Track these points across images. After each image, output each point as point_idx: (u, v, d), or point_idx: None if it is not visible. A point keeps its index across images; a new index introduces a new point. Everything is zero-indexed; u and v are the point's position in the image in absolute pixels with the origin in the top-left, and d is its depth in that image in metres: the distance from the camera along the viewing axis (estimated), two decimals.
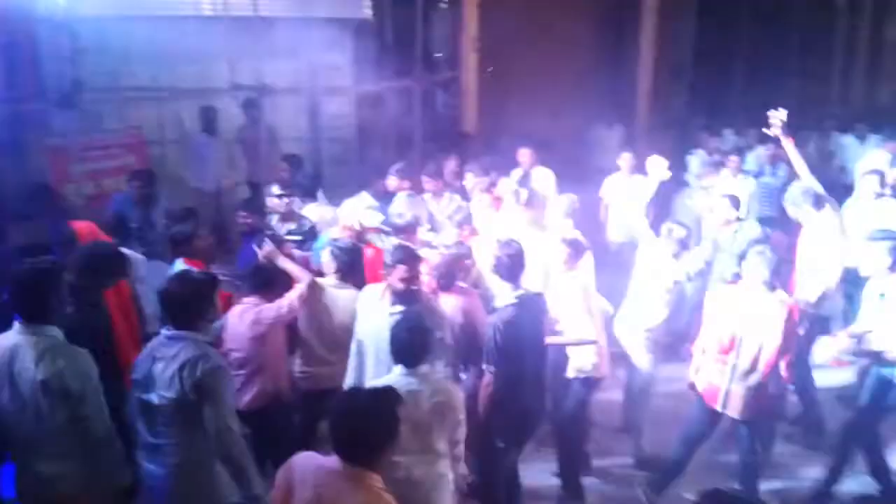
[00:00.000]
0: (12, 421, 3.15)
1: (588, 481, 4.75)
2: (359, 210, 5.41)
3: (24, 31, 6.77)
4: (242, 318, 4.22)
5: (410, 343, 3.36)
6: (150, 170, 6.38)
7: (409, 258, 4.10)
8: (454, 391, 3.47)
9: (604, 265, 5.60)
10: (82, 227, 4.74)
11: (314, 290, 4.38)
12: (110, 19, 7.16)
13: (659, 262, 4.96)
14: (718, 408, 4.34)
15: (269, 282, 4.35)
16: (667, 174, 5.58)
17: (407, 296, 4.02)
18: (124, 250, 4.31)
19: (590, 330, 4.46)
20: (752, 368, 4.23)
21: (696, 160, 8.89)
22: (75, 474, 3.18)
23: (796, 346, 4.55)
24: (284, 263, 4.49)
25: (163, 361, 3.18)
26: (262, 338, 4.20)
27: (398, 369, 3.37)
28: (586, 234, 5.17)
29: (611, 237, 7.42)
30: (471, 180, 6.33)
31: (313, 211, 5.84)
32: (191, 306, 3.26)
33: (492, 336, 3.89)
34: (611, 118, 10.19)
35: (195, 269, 4.14)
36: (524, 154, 7.25)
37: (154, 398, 3.18)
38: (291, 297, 4.27)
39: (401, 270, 4.03)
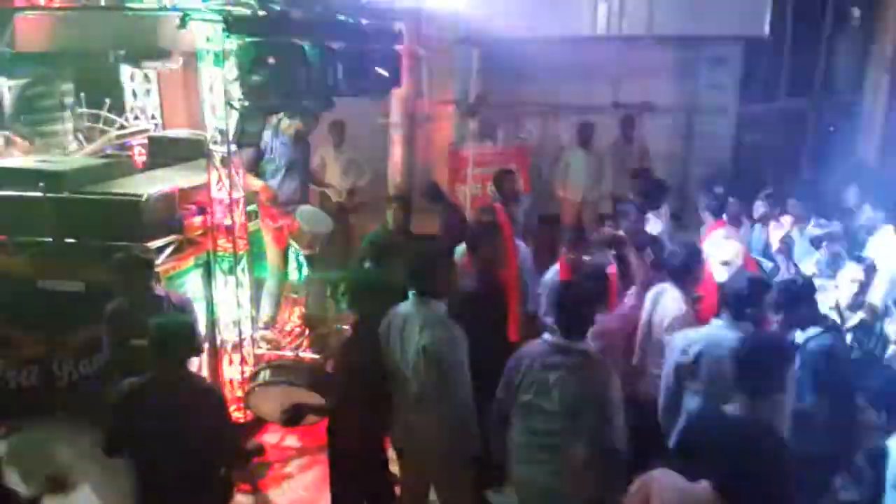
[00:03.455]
0: (399, 375, 3.74)
1: None
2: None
3: (442, 49, 7.93)
4: None
5: None
6: (509, 170, 6.98)
7: None
8: None
9: None
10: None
11: None
12: (512, 41, 7.96)
13: None
14: None
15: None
16: None
17: None
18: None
19: None
20: None
21: None
22: (434, 430, 3.61)
23: None
24: (631, 255, 4.56)
25: (556, 371, 3.40)
26: None
27: None
28: None
29: None
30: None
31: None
32: (584, 316, 3.45)
33: None
34: None
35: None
36: None
37: (545, 405, 3.42)
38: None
39: None
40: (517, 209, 6.30)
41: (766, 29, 8.29)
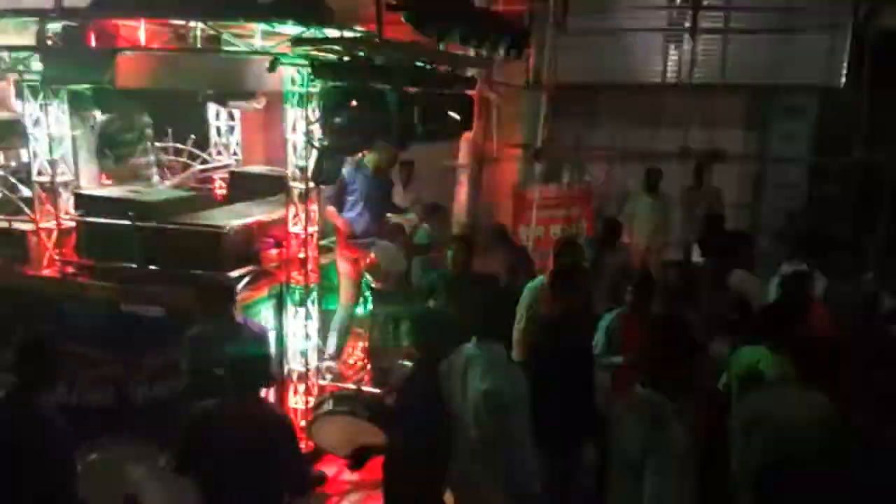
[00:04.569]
0: (458, 419, 3.71)
1: None
2: None
3: (511, 94, 8.09)
4: None
5: None
6: (614, 218, 6.99)
7: None
8: None
9: None
10: None
11: None
12: (580, 87, 8.06)
13: None
14: None
15: None
16: None
17: None
18: None
19: None
20: None
21: None
22: (491, 479, 3.58)
23: None
24: None
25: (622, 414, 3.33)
26: None
27: None
28: None
29: None
30: None
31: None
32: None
33: None
34: None
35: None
36: None
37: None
38: None
39: None
40: (612, 258, 6.25)
41: (843, 79, 8.17)
